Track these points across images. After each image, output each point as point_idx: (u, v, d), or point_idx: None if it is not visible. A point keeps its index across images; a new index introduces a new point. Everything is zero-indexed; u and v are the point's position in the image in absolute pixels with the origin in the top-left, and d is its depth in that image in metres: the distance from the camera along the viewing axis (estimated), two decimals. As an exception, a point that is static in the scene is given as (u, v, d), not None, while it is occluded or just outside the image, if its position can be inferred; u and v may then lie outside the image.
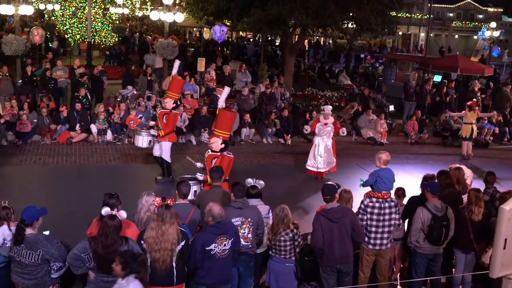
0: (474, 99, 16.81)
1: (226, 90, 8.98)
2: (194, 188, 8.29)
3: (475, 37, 49.35)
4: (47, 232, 5.80)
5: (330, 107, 12.45)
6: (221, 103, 8.78)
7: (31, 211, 5.73)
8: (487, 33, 35.64)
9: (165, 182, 11.28)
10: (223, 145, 8.16)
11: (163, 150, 11.14)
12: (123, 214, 5.48)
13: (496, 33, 34.47)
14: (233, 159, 8.23)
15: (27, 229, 5.63)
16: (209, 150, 8.29)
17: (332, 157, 12.22)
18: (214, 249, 5.85)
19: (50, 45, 25.68)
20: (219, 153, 8.12)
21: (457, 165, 8.74)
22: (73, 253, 5.40)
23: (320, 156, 12.07)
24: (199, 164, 8.66)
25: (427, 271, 7.27)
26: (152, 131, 11.07)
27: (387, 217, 7.01)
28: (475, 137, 15.54)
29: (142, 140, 11.38)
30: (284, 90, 19.39)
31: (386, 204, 7.04)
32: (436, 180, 7.76)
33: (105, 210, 5.41)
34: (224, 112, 8.44)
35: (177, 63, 11.48)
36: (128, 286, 4.81)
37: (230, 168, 8.18)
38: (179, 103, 14.65)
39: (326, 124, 12.05)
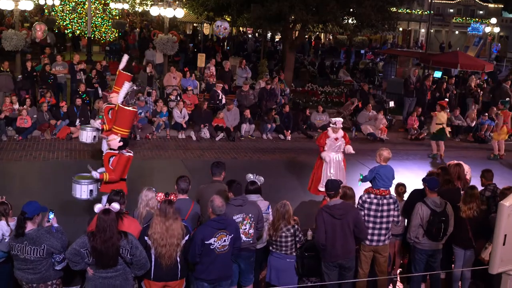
0: (446, 99, 16.49)
1: (126, 86, 8.71)
2: (90, 187, 7.92)
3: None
4: (52, 215, 5.76)
5: (341, 120, 10.76)
6: (120, 99, 8.54)
7: (33, 205, 5.73)
8: (487, 29, 35.63)
9: None
10: (121, 143, 7.82)
11: (103, 144, 10.76)
12: (115, 205, 5.49)
13: (490, 29, 34.42)
14: (131, 158, 7.88)
15: (28, 224, 5.62)
16: (108, 148, 7.95)
17: (344, 174, 10.56)
18: (214, 244, 5.85)
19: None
20: (117, 151, 7.82)
21: (456, 162, 8.73)
22: (72, 248, 5.40)
23: (332, 173, 10.36)
24: (94, 173, 7.84)
25: (427, 267, 7.28)
26: (97, 125, 10.63)
27: (385, 213, 7.01)
28: (449, 136, 15.00)
29: (86, 136, 10.79)
30: (284, 86, 19.38)
31: (385, 201, 7.05)
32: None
33: (98, 207, 5.42)
34: (123, 109, 8.12)
35: (125, 58, 11.11)
36: None
37: (129, 166, 7.88)
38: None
39: (337, 139, 10.47)
